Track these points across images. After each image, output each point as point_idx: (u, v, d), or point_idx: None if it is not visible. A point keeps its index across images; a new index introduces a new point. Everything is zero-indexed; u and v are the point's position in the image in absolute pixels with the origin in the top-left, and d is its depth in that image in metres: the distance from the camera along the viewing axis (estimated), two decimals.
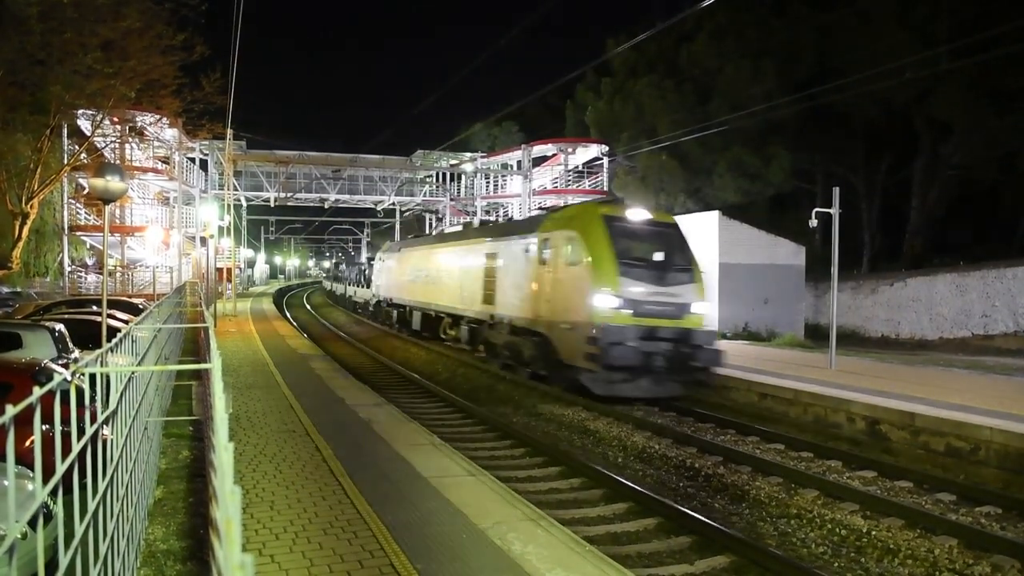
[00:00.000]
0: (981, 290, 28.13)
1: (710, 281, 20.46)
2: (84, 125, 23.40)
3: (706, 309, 15.03)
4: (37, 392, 2.00)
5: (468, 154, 48.56)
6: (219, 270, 37.65)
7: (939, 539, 7.42)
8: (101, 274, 25.92)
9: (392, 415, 10.89)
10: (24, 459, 5.15)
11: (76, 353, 10.63)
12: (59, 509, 2.52)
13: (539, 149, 44.08)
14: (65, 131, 24.33)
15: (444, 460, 8.18)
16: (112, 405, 3.38)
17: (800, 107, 29.78)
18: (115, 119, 23.73)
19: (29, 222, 18.12)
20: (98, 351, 3.52)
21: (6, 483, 4.11)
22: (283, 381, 13.84)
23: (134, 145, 31.66)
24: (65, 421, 2.36)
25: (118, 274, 33.15)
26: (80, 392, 4.89)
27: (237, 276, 51.09)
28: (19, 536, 1.74)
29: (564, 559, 5.31)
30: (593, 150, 42.03)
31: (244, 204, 49.20)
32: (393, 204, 49.70)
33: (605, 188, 41.60)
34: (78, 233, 32.87)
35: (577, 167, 42.93)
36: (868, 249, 37.65)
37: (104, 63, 16.52)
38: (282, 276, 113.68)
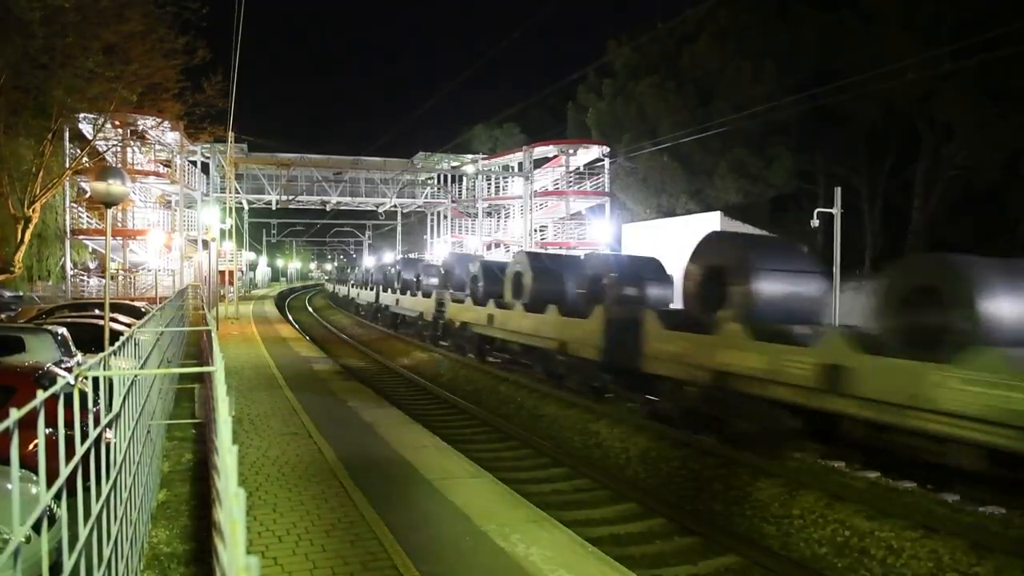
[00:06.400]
0: None
1: None
2: (86, 129, 23.41)
3: None
4: (41, 396, 2.00)
5: (469, 156, 48.56)
6: (221, 273, 37.66)
7: (943, 540, 7.39)
8: (103, 278, 25.94)
9: (395, 417, 10.89)
10: (28, 462, 5.14)
11: (79, 356, 10.62)
12: (63, 512, 2.53)
13: (540, 151, 44.04)
14: (67, 135, 24.35)
15: (446, 462, 8.17)
16: (115, 408, 3.38)
17: (802, 108, 29.71)
18: (117, 123, 23.76)
19: (31, 226, 18.15)
20: (101, 354, 3.52)
21: (10, 486, 4.12)
22: (286, 384, 13.83)
23: (136, 148, 31.67)
24: (68, 424, 2.36)
25: (120, 278, 33.14)
26: (83, 395, 4.90)
27: (239, 279, 51.09)
28: (23, 540, 1.74)
29: (568, 561, 5.30)
30: (594, 151, 41.99)
31: (246, 207, 49.19)
32: (395, 206, 49.71)
33: (606, 189, 41.58)
34: (80, 237, 32.87)
35: (578, 168, 42.89)
36: (870, 250, 37.56)
37: (106, 67, 16.55)
38: (284, 279, 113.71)
